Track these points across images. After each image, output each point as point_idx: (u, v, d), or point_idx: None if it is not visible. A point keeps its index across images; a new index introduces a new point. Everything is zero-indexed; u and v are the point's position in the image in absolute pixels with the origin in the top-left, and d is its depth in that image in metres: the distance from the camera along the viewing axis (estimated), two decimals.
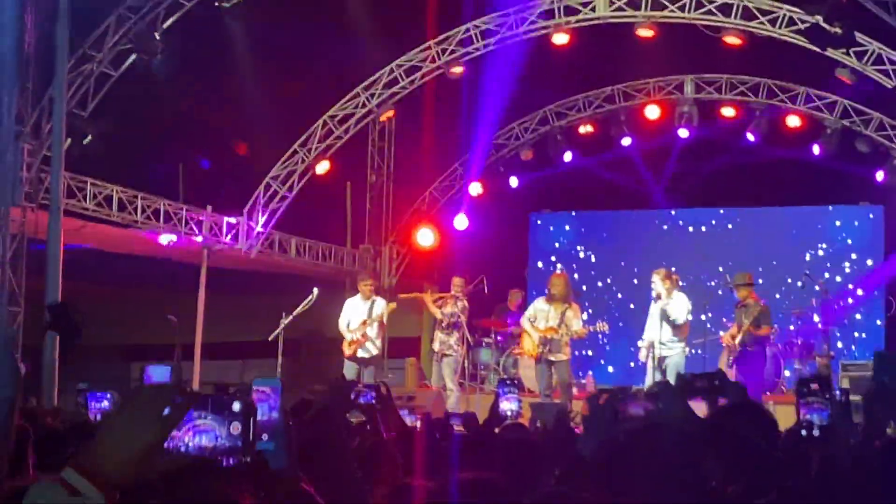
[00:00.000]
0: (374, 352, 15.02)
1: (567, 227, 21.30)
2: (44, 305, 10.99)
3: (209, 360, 18.04)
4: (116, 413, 2.07)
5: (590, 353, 19.13)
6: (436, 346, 15.25)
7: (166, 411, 2.02)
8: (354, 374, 14.62)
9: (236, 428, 2.56)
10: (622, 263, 20.40)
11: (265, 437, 3.09)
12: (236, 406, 2.54)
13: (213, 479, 2.74)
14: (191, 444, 2.55)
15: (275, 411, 3.23)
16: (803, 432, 3.86)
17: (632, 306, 19.00)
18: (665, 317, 13.46)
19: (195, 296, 17.05)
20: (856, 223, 19.22)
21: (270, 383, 3.32)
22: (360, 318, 14.96)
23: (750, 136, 18.48)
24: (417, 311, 20.72)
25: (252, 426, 2.56)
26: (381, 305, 15.09)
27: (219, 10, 14.64)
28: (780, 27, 15.26)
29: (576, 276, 19.85)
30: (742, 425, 4.07)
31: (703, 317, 15.85)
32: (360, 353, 14.88)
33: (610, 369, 19.67)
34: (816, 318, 15.88)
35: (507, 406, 6.67)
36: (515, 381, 7.32)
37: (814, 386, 3.97)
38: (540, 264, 20.80)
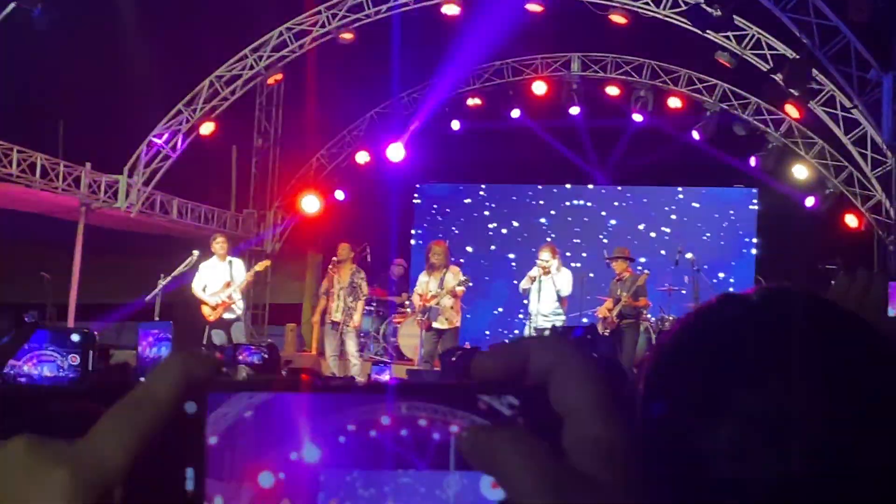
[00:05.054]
0: (239, 311, 14.59)
1: (452, 200, 21.44)
2: None
3: (84, 321, 17.71)
4: None
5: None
6: (338, 317, 14.73)
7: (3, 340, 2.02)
8: (224, 339, 14.21)
9: (74, 359, 2.56)
10: (503, 237, 20.71)
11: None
12: (75, 337, 2.55)
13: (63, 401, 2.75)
14: (34, 373, 2.56)
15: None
16: None
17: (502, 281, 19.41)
18: (552, 289, 13.77)
19: (71, 254, 16.71)
20: (731, 205, 19.74)
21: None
22: (220, 279, 14.33)
23: (637, 118, 18.77)
24: (299, 278, 20.68)
25: (91, 358, 2.57)
26: (240, 266, 14.60)
27: None
28: (663, 8, 15.57)
29: (468, 249, 20.16)
30: None
31: (578, 294, 16.15)
32: (227, 315, 14.33)
33: (498, 310, 19.94)
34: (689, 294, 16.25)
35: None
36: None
37: (588, 336, 4.27)
38: (423, 240, 20.81)
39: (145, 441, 0.66)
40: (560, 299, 14.00)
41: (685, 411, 1.02)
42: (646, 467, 0.65)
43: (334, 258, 14.94)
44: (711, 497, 0.97)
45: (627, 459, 0.64)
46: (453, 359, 4.18)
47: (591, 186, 20.53)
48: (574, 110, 19.21)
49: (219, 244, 14.42)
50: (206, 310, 14.29)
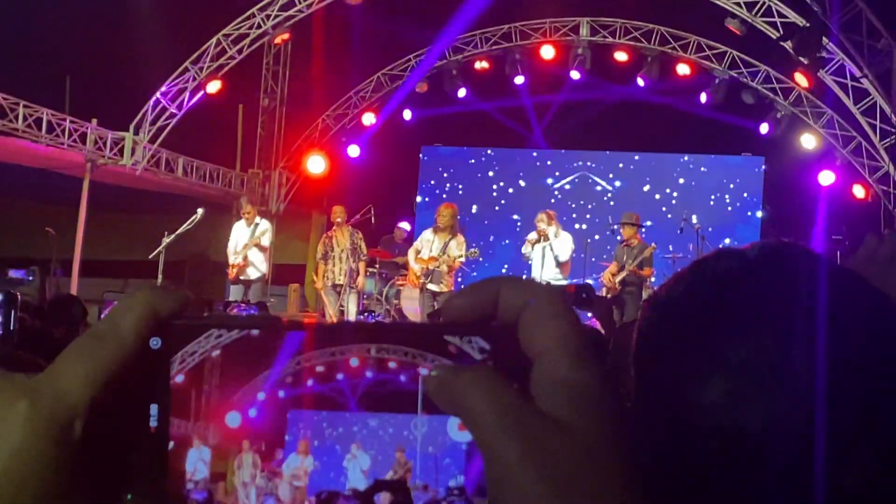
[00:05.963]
0: (257, 274, 14.95)
1: (458, 162, 21.39)
2: None
3: (89, 278, 17.72)
4: None
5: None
6: (340, 280, 14.88)
7: None
8: (240, 296, 14.64)
9: None
10: (509, 198, 20.69)
11: None
12: None
13: None
14: None
15: None
16: None
17: (506, 241, 19.42)
18: (551, 254, 13.73)
19: (76, 210, 16.70)
20: (737, 173, 19.68)
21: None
22: (242, 241, 14.93)
23: (640, 82, 18.74)
24: (303, 238, 20.68)
25: (13, 316, 2.54)
26: (262, 227, 14.96)
27: None
28: None
29: (473, 208, 20.20)
30: None
31: (582, 256, 16.14)
32: (243, 277, 14.86)
33: (503, 270, 19.90)
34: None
35: None
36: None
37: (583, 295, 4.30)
38: (428, 198, 20.90)
39: (108, 375, 0.64)
40: (560, 265, 13.94)
41: (678, 362, 1.02)
42: (630, 415, 0.64)
43: (338, 220, 14.97)
44: (700, 447, 0.97)
45: (599, 403, 0.63)
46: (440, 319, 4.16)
47: (596, 150, 20.45)
48: (575, 74, 19.12)
49: (245, 213, 15.20)
50: (229, 269, 15.06)
